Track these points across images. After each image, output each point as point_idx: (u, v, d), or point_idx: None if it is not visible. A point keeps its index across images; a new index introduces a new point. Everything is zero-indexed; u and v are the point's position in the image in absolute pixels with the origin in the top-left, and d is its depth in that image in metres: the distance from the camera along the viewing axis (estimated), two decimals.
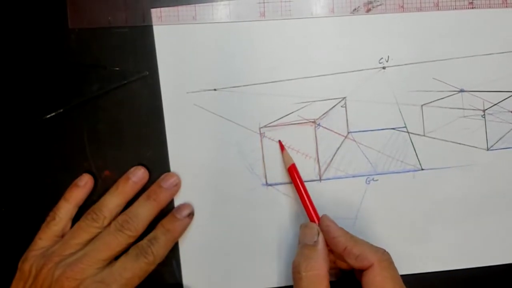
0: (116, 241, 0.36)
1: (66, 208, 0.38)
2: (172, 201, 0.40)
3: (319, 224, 0.37)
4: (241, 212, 0.40)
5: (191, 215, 0.39)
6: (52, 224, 0.37)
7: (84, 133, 0.40)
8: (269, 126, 0.40)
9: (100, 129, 0.40)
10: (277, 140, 0.40)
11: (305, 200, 0.38)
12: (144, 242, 0.37)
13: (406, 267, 0.41)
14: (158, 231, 0.38)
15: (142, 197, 0.38)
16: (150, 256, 0.36)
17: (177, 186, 0.39)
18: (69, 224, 0.38)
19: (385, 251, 0.35)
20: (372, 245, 0.35)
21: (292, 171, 0.39)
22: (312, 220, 0.37)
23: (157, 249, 0.37)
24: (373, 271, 0.34)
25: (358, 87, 0.41)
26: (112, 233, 0.36)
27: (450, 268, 0.41)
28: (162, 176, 0.39)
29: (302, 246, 0.36)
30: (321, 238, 0.36)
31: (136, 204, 0.38)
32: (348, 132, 0.41)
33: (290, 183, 0.40)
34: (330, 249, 0.36)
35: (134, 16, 0.40)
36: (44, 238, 0.37)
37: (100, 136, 0.40)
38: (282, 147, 0.40)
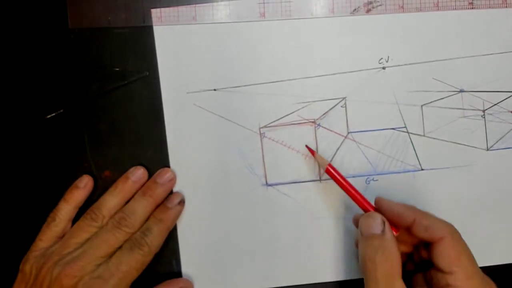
0: (114, 238, 0.36)
1: (66, 209, 0.38)
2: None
3: (377, 207, 0.36)
4: (241, 212, 0.40)
5: (182, 202, 0.39)
6: (52, 225, 0.37)
7: (84, 133, 0.40)
8: (269, 126, 0.40)
9: (100, 129, 0.40)
10: (277, 140, 0.40)
11: (355, 194, 0.37)
12: (137, 234, 0.37)
13: None
14: (150, 222, 0.38)
15: (138, 193, 0.39)
16: (145, 247, 0.36)
17: (172, 181, 0.39)
18: (69, 225, 0.38)
19: (451, 224, 0.34)
20: (440, 218, 0.34)
21: (330, 172, 0.37)
22: (367, 211, 0.36)
23: (151, 239, 0.37)
24: (446, 243, 0.33)
25: (358, 87, 0.41)
26: (110, 230, 0.36)
27: None
28: (157, 172, 0.39)
29: (368, 237, 0.34)
30: (387, 227, 0.34)
31: (132, 200, 0.38)
32: (348, 132, 0.41)
33: (290, 183, 0.40)
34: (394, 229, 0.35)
35: (134, 16, 0.40)
36: (45, 239, 0.37)
37: (100, 136, 0.40)
38: (312, 152, 0.39)
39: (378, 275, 0.32)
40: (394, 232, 0.35)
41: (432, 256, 0.34)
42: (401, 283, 0.32)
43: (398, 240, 0.35)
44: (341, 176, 0.37)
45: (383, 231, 0.34)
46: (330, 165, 0.38)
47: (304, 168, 0.40)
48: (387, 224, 0.34)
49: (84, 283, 0.34)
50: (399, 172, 0.41)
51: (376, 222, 0.35)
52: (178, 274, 0.40)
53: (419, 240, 0.35)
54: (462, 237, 0.34)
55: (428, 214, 0.35)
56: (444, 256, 0.33)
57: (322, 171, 0.41)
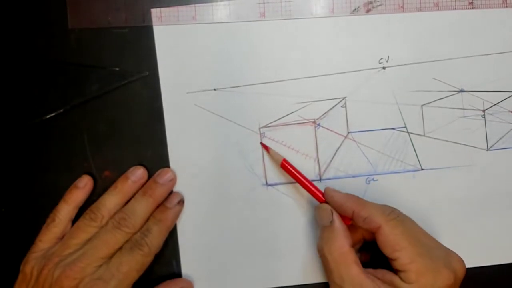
0: (114, 239, 0.36)
1: (66, 209, 0.38)
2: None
3: (324, 197, 0.37)
4: (241, 212, 0.40)
5: (181, 202, 0.39)
6: (52, 226, 0.37)
7: (84, 133, 0.40)
8: (269, 126, 0.40)
9: (100, 129, 0.40)
10: (277, 140, 0.40)
11: (307, 185, 0.38)
12: (137, 235, 0.37)
13: None
14: (150, 223, 0.38)
15: (138, 193, 0.38)
16: (145, 247, 0.36)
17: (172, 181, 0.39)
18: (69, 226, 0.38)
19: (393, 210, 0.35)
20: (380, 206, 0.35)
21: (285, 165, 0.39)
22: (321, 201, 0.38)
23: (151, 239, 0.37)
24: (383, 232, 0.34)
25: (358, 87, 0.41)
26: (110, 230, 0.36)
27: None
28: (158, 172, 0.39)
29: (321, 228, 0.36)
30: (335, 216, 0.36)
31: (132, 201, 0.38)
32: (348, 132, 0.41)
33: (290, 183, 0.40)
34: (346, 219, 0.36)
35: (134, 16, 0.40)
36: (45, 240, 0.37)
37: (100, 136, 0.40)
38: (266, 147, 0.40)
39: (330, 265, 0.34)
40: (347, 222, 0.36)
41: (378, 245, 0.34)
42: (355, 269, 0.33)
43: (356, 227, 0.36)
44: (294, 169, 0.38)
45: (332, 221, 0.35)
46: (284, 160, 0.39)
47: (304, 167, 0.40)
48: (335, 214, 0.36)
49: (85, 284, 0.34)
50: (399, 172, 0.41)
51: (325, 213, 0.36)
52: (178, 274, 0.40)
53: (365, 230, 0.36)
54: (406, 217, 0.35)
55: (368, 204, 0.36)
56: (385, 244, 0.34)
57: (322, 171, 0.41)
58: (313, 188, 0.38)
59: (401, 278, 0.33)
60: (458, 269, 0.34)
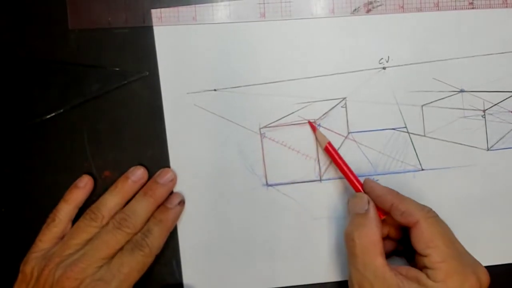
0: (114, 239, 0.36)
1: (66, 209, 0.38)
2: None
3: (363, 188, 0.38)
4: (241, 212, 0.40)
5: (182, 203, 0.39)
6: (52, 225, 0.37)
7: (84, 133, 0.40)
8: (269, 127, 0.40)
9: (100, 129, 0.40)
10: (278, 140, 0.40)
11: (347, 173, 0.38)
12: (138, 236, 0.37)
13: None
14: (150, 223, 0.38)
15: (139, 194, 0.38)
16: (146, 248, 0.36)
17: (173, 181, 0.39)
18: (69, 226, 0.38)
19: (431, 209, 0.35)
20: (418, 203, 0.36)
21: (329, 149, 0.39)
22: (357, 190, 0.38)
23: (152, 240, 0.37)
24: (420, 227, 0.34)
25: (358, 88, 0.41)
26: (110, 231, 0.36)
27: None
28: (158, 172, 0.39)
29: (353, 215, 0.36)
30: (371, 206, 0.36)
31: (133, 201, 0.38)
32: (348, 133, 0.41)
33: (290, 183, 0.40)
34: (381, 212, 0.36)
35: (134, 16, 0.40)
36: (45, 240, 0.37)
37: (100, 136, 0.40)
38: (313, 127, 0.40)
39: (357, 251, 0.34)
40: (381, 216, 0.36)
41: (411, 240, 0.34)
42: (381, 260, 0.33)
43: (387, 223, 0.37)
44: (338, 155, 0.39)
45: (367, 210, 0.36)
46: (329, 143, 0.39)
47: (304, 168, 0.40)
48: (371, 204, 0.36)
49: (86, 285, 0.34)
50: (399, 172, 0.41)
51: (361, 202, 0.36)
52: (178, 274, 0.40)
53: (400, 224, 0.36)
54: (443, 221, 0.35)
55: (407, 199, 0.36)
56: (419, 239, 0.34)
57: (322, 171, 0.41)
58: (352, 177, 0.38)
59: (427, 276, 0.33)
60: (484, 280, 0.34)
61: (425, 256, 0.33)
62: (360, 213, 0.36)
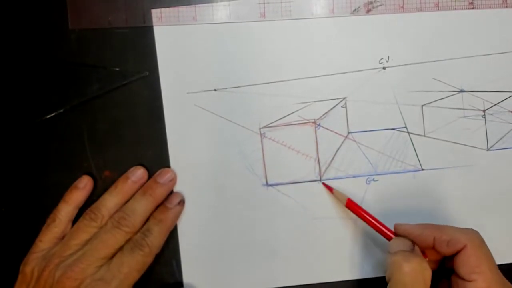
0: (113, 239, 0.36)
1: (66, 210, 0.38)
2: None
3: (396, 232, 0.37)
4: (241, 212, 0.40)
5: (181, 202, 0.39)
6: (52, 226, 0.37)
7: (84, 133, 0.40)
8: (269, 127, 0.40)
9: (100, 129, 0.40)
10: (278, 140, 0.40)
11: (377, 226, 0.37)
12: (137, 235, 0.37)
13: None
14: (150, 223, 0.38)
15: (138, 193, 0.38)
16: (146, 247, 0.36)
17: (172, 181, 0.39)
18: (69, 226, 0.38)
19: (474, 230, 0.35)
20: (459, 228, 0.35)
21: (351, 205, 0.38)
22: (389, 238, 0.37)
23: (152, 240, 0.37)
24: (467, 252, 0.33)
25: (358, 88, 0.41)
26: (109, 230, 0.36)
27: None
28: (158, 172, 0.39)
29: (398, 252, 0.34)
30: (416, 248, 0.35)
31: (132, 200, 0.38)
32: (349, 133, 0.41)
33: (290, 183, 0.40)
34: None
35: (134, 16, 0.40)
36: (45, 241, 0.37)
37: (100, 136, 0.40)
38: (329, 188, 0.40)
39: (406, 279, 0.32)
40: (425, 257, 0.35)
41: (454, 264, 0.34)
42: None
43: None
44: (363, 210, 0.38)
45: (412, 249, 0.35)
46: (349, 199, 0.38)
47: (304, 168, 0.40)
48: (417, 246, 0.35)
49: (86, 285, 0.34)
50: (399, 172, 0.41)
51: (405, 243, 0.35)
52: (178, 274, 0.40)
53: (445, 255, 0.35)
54: (486, 244, 0.34)
55: (446, 227, 0.35)
56: (465, 264, 0.33)
57: (322, 171, 0.41)
58: (381, 226, 0.37)
59: None
60: None
61: (470, 281, 0.33)
62: (407, 250, 0.34)
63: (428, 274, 0.33)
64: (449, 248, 0.34)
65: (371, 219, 0.37)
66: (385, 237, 0.37)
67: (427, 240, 0.35)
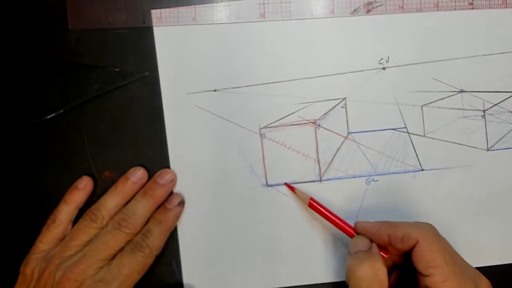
0: (114, 240, 0.36)
1: (66, 210, 0.38)
2: None
3: (357, 231, 0.37)
4: (241, 213, 0.40)
5: (181, 203, 0.39)
6: (52, 227, 0.37)
7: (84, 133, 0.40)
8: (269, 127, 0.40)
9: (100, 130, 0.40)
10: (278, 140, 0.40)
11: (337, 222, 0.38)
12: (138, 236, 0.37)
13: None
14: (150, 224, 0.37)
15: (138, 194, 0.38)
16: (146, 248, 0.36)
17: (173, 182, 0.39)
18: (70, 227, 0.38)
19: (427, 224, 0.35)
20: (414, 223, 0.35)
21: (312, 205, 0.38)
22: (351, 236, 0.37)
23: (152, 241, 0.36)
24: (420, 247, 0.33)
25: (358, 88, 0.41)
26: (110, 231, 0.36)
27: None
28: (158, 173, 0.39)
29: (355, 253, 0.35)
30: (374, 245, 0.35)
31: (133, 201, 0.38)
32: (348, 133, 0.41)
33: (290, 183, 0.40)
34: (382, 251, 0.36)
35: (134, 17, 0.40)
36: (45, 241, 0.37)
37: (100, 137, 0.40)
38: (291, 188, 0.40)
39: (362, 284, 0.33)
40: (385, 254, 0.36)
41: (412, 260, 0.34)
42: None
43: (391, 254, 0.36)
44: (323, 207, 0.38)
45: (370, 248, 0.35)
46: (311, 198, 0.38)
47: (304, 168, 0.40)
48: (373, 244, 0.35)
49: (87, 286, 0.34)
50: (399, 173, 0.41)
51: (363, 241, 0.36)
52: (178, 274, 0.40)
53: (402, 251, 0.35)
54: (441, 236, 0.34)
55: (400, 224, 0.35)
56: (420, 259, 0.33)
57: (322, 171, 0.41)
58: (343, 224, 0.38)
59: None
60: None
61: (427, 275, 0.33)
62: (364, 250, 0.35)
63: (382, 273, 0.33)
64: (403, 245, 0.34)
65: (333, 217, 0.38)
66: (347, 235, 0.37)
67: (383, 237, 0.35)
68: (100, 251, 0.36)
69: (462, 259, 0.35)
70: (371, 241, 0.36)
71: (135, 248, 0.36)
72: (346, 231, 0.38)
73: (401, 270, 0.38)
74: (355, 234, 0.37)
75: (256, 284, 0.41)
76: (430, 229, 0.35)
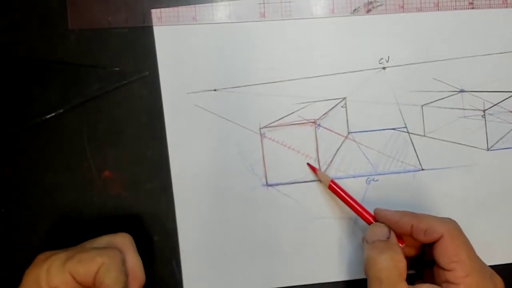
0: None
1: None
2: (172, 206, 0.40)
3: (377, 218, 0.37)
4: (241, 212, 0.40)
5: None
6: None
7: (84, 133, 0.40)
8: (269, 127, 0.40)
9: (100, 129, 0.40)
10: (278, 140, 0.40)
11: (356, 208, 0.38)
12: None
13: None
14: None
15: None
16: None
17: None
18: None
19: (451, 219, 0.35)
20: (437, 217, 0.35)
21: (332, 187, 0.38)
22: (369, 222, 0.37)
23: None
24: (444, 241, 0.33)
25: (358, 88, 0.41)
26: None
27: None
28: None
29: (373, 242, 0.35)
30: (392, 234, 0.35)
31: None
32: (349, 133, 0.41)
33: (291, 183, 0.40)
34: (399, 240, 0.36)
35: (134, 16, 0.40)
36: None
37: (100, 136, 0.40)
38: (314, 169, 0.40)
39: (382, 275, 0.33)
40: (401, 244, 0.35)
41: (433, 254, 0.34)
42: (405, 285, 0.33)
43: (406, 245, 0.36)
44: (343, 191, 0.38)
45: (388, 237, 0.35)
46: (332, 181, 0.38)
47: (304, 168, 0.40)
48: (392, 232, 0.35)
49: None
50: (399, 172, 0.41)
51: (382, 230, 0.35)
52: (178, 274, 0.40)
53: (423, 243, 0.35)
54: (463, 233, 0.34)
55: (424, 216, 0.35)
56: (443, 253, 0.33)
57: (322, 171, 0.41)
58: (361, 210, 0.37)
59: None
60: None
61: (449, 270, 0.33)
62: (382, 240, 0.35)
63: (402, 266, 0.33)
64: (426, 237, 0.34)
65: (353, 202, 0.38)
66: (365, 221, 0.37)
67: (405, 227, 0.35)
68: None
69: (479, 256, 0.35)
70: (389, 230, 0.35)
71: None
72: (365, 218, 0.37)
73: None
74: (372, 222, 0.37)
75: (256, 284, 0.41)
76: (454, 225, 0.34)
